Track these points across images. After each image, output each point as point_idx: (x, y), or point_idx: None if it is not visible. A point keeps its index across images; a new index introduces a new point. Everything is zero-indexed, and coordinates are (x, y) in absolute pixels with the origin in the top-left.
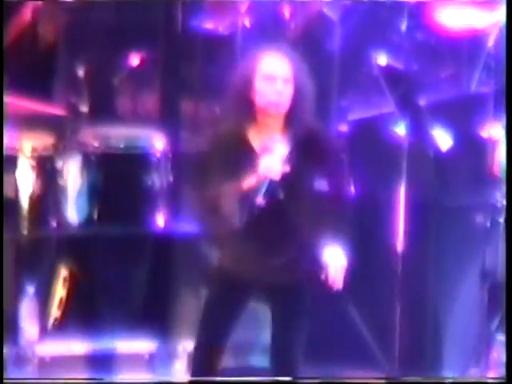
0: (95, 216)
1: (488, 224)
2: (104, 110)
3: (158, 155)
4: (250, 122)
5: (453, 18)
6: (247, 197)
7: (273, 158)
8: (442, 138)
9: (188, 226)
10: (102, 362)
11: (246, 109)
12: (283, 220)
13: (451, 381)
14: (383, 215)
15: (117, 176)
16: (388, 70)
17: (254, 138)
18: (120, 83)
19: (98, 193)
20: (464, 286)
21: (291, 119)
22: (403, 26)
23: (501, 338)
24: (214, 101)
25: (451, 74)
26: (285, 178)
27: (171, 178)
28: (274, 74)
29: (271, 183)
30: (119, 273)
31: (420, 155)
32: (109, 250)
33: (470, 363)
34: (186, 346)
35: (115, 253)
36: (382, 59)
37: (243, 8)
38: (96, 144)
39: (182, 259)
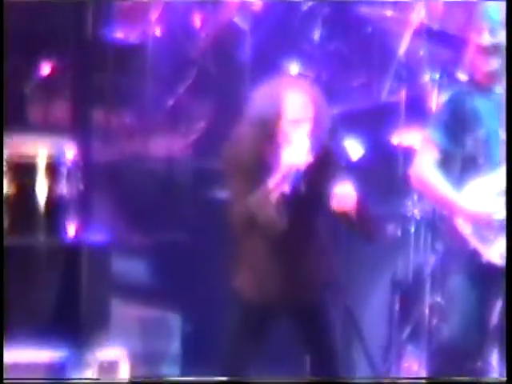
0: (5, 225)
1: (399, 233)
2: (15, 119)
3: (69, 164)
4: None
5: (364, 27)
6: (280, 196)
7: (295, 148)
8: (353, 148)
9: (99, 235)
10: (10, 370)
11: (270, 137)
12: (307, 238)
13: (450, 381)
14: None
15: (27, 185)
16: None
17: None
18: (31, 91)
19: (8, 201)
20: (375, 296)
21: (313, 144)
22: (315, 35)
23: (410, 348)
24: (125, 110)
25: (363, 83)
26: (303, 194)
27: (82, 187)
28: (299, 118)
29: (297, 173)
30: (30, 282)
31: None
32: (20, 259)
33: (379, 372)
34: (96, 355)
35: (26, 262)
36: (293, 68)
37: (154, 16)
38: (6, 152)
39: (92, 268)
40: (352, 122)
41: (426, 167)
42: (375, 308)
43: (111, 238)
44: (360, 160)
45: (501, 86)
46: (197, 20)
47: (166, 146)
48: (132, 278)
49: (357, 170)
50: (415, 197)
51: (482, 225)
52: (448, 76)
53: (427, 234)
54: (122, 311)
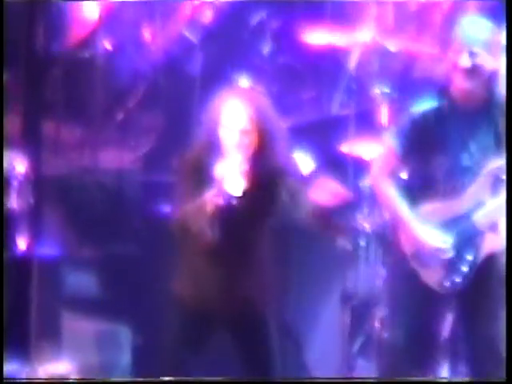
0: None
1: (349, 247)
2: None
3: (20, 177)
4: (217, 156)
5: (314, 41)
6: (214, 210)
7: (227, 164)
8: (304, 161)
9: (49, 249)
10: None
11: (215, 148)
12: (244, 251)
13: (450, 381)
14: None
15: None
16: None
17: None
18: None
19: None
20: (325, 310)
21: (256, 158)
22: (265, 49)
23: (361, 362)
24: (75, 123)
25: (313, 96)
26: (244, 208)
27: (32, 201)
28: (232, 127)
29: (231, 185)
30: None
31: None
32: None
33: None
34: (46, 368)
35: None
36: (243, 81)
37: (104, 30)
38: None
39: (43, 281)
40: (302, 134)
41: (381, 174)
42: (326, 321)
43: (61, 252)
44: (310, 173)
45: (475, 108)
46: (146, 33)
47: (115, 160)
48: (82, 291)
49: (307, 183)
50: (365, 210)
51: (424, 251)
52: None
53: (378, 248)
54: (72, 324)
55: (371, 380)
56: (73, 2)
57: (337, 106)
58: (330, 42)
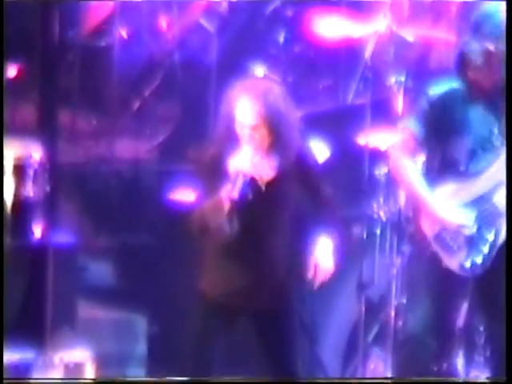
0: None
1: (364, 235)
2: None
3: (36, 166)
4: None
5: (330, 30)
6: (230, 205)
7: (240, 155)
8: (320, 150)
9: (65, 237)
10: None
11: (232, 142)
12: (262, 245)
13: (450, 381)
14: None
15: None
16: None
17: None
18: None
19: None
20: (341, 297)
21: (270, 152)
22: (280, 38)
23: (377, 350)
24: (91, 112)
25: (328, 86)
26: (261, 202)
27: (48, 189)
28: (244, 123)
29: (245, 179)
30: None
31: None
32: None
33: (346, 373)
34: (62, 356)
35: None
36: (259, 70)
37: (120, 19)
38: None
39: (59, 270)
40: (318, 124)
41: (401, 157)
42: (341, 310)
43: (77, 240)
44: (326, 162)
45: (498, 95)
46: (163, 22)
47: (131, 149)
48: (98, 280)
49: (323, 172)
50: (381, 199)
51: (446, 232)
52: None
53: (393, 236)
54: (88, 313)
55: (372, 380)
56: None
57: (352, 95)
58: (346, 31)
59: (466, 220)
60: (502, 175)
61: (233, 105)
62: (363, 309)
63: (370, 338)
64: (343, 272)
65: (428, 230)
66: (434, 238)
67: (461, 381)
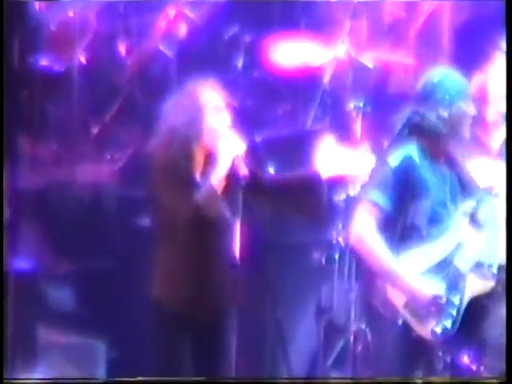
0: None
1: (323, 260)
2: None
3: None
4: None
5: (289, 55)
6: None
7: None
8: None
9: (26, 263)
10: None
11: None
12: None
13: (450, 381)
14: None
15: None
16: None
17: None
18: None
19: None
20: (300, 323)
21: None
22: (239, 63)
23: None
24: (51, 137)
25: (287, 111)
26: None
27: (9, 215)
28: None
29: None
30: None
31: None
32: None
33: None
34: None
35: None
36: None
37: (79, 44)
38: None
39: (19, 295)
40: (277, 148)
41: (365, 228)
42: (300, 334)
43: (38, 265)
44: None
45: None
46: (122, 48)
47: (92, 174)
48: (58, 306)
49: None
50: (340, 224)
51: (416, 300)
52: None
53: (352, 261)
54: (47, 338)
55: (369, 380)
56: (48, 17)
57: (311, 120)
58: (305, 57)
59: (435, 288)
60: (460, 237)
61: (196, 97)
62: (322, 334)
63: (329, 362)
64: (302, 297)
65: (397, 298)
66: (404, 305)
67: (461, 381)
